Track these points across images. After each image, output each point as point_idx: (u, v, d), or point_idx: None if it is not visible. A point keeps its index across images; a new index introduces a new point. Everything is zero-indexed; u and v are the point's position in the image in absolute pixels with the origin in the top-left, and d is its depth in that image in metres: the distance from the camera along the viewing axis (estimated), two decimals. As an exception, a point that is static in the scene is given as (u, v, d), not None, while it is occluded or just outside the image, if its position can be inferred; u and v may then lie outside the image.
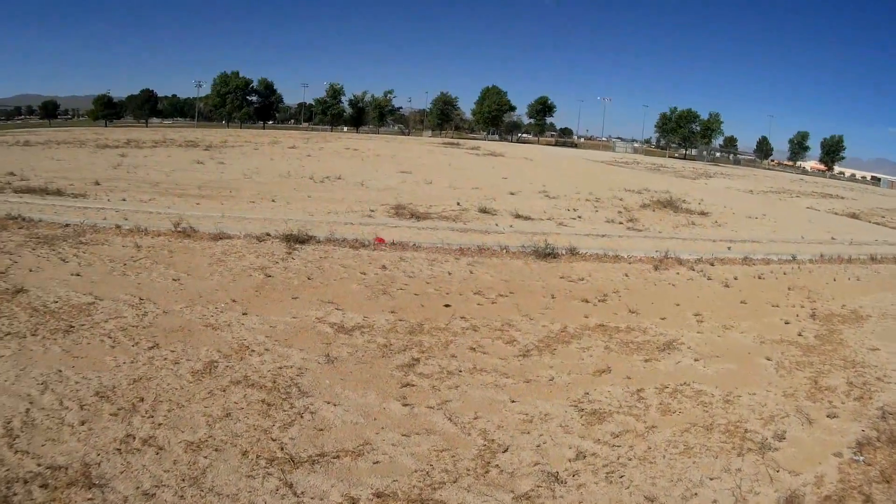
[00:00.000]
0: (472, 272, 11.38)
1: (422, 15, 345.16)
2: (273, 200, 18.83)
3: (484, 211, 18.76)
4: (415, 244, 13.13)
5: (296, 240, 12.67)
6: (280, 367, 6.83)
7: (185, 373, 6.52)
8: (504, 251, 13.25)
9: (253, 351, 7.20)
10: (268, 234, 13.25)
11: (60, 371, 6.35)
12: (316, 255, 11.98)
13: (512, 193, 24.48)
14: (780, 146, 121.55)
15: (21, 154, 36.01)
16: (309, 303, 9.11)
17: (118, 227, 13.88)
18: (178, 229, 13.56)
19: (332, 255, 12.03)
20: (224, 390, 6.16)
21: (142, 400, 5.87)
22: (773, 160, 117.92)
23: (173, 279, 9.94)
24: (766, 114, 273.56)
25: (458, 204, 20.00)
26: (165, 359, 6.82)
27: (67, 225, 13.99)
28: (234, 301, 8.98)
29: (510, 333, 8.38)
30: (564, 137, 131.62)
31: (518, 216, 18.43)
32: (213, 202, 18.09)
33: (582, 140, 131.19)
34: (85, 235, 12.99)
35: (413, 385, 6.59)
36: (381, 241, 13.31)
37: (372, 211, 17.74)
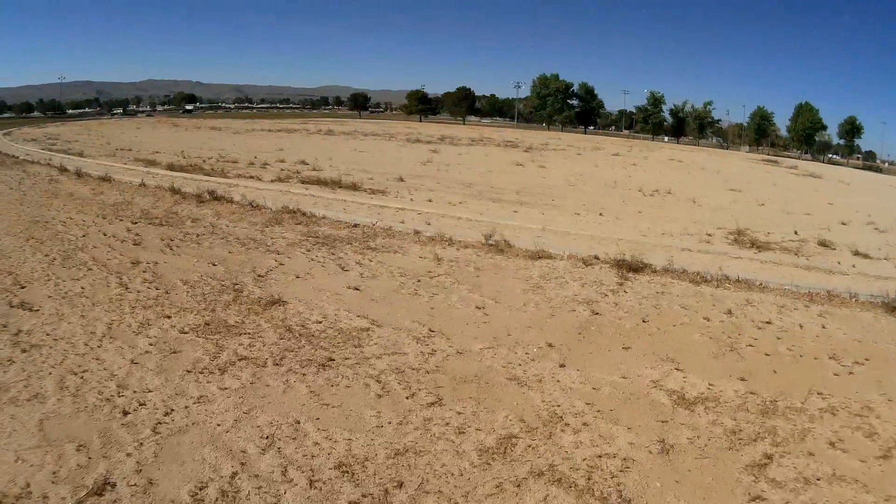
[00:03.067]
0: (823, 326, 11.32)
1: (743, 27, 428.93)
2: (601, 214, 20.36)
3: (823, 244, 19.67)
4: (761, 283, 13.48)
5: (628, 267, 13.28)
6: (599, 456, 6.48)
7: (469, 449, 6.24)
8: (853, 299, 13.17)
9: (567, 425, 6.93)
10: (596, 257, 13.89)
11: (298, 423, 6.31)
12: (652, 288, 12.41)
13: (843, 223, 25.84)
14: None
15: (320, 143, 43.99)
16: (643, 356, 9.09)
17: (417, 232, 14.80)
18: (490, 242, 14.04)
19: (670, 290, 12.44)
20: (519, 485, 5.74)
21: (399, 486, 5.54)
22: None
23: (476, 307, 10.26)
24: None
25: (796, 233, 21.30)
26: (447, 424, 6.62)
27: (356, 225, 15.30)
28: (549, 345, 9.03)
29: (869, 421, 7.97)
30: (869, 161, 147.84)
31: (856, 253, 18.92)
32: (532, 210, 19.59)
33: (885, 165, 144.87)
34: (375, 240, 13.93)
35: (764, 500, 6.07)
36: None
37: (709, 235, 18.99)
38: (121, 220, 15.50)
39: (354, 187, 20.90)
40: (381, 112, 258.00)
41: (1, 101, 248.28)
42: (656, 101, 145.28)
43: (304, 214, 15.66)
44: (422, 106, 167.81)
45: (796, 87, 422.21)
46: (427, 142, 51.87)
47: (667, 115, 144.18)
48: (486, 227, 14.72)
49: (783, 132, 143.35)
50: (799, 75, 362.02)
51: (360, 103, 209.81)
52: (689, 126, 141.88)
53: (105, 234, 13.80)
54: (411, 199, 19.44)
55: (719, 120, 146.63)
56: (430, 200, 19.46)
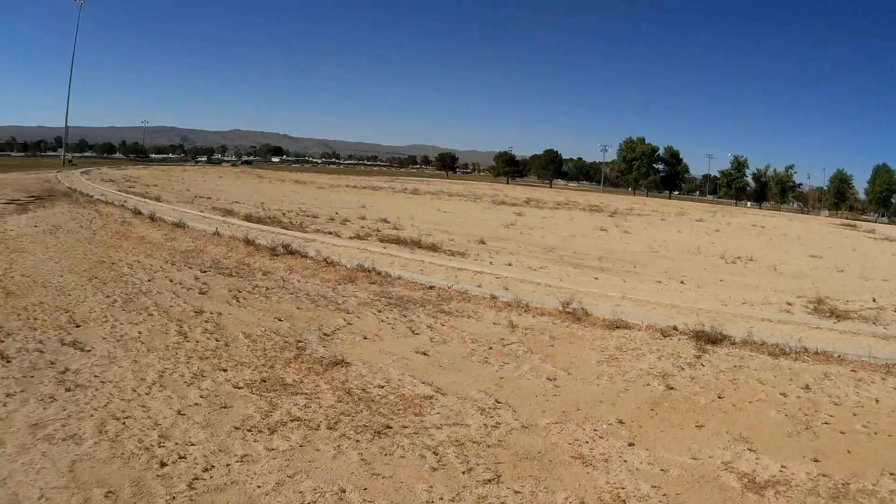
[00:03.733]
0: (903, 400, 11.82)
1: (818, 90, 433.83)
2: (682, 282, 20.87)
3: (902, 312, 20.53)
4: (839, 355, 13.37)
5: (707, 338, 13.28)
6: (661, 543, 6.49)
7: (522, 532, 6.17)
8: (935, 371, 13.84)
9: (629, 511, 6.95)
10: (674, 328, 13.91)
11: (343, 491, 6.26)
12: (730, 362, 12.41)
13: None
14: None
15: (404, 202, 45.20)
16: (716, 435, 9.06)
17: (494, 297, 14.86)
18: (567, 309, 14.04)
19: (748, 363, 12.42)
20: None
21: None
22: None
23: (548, 378, 10.31)
24: None
25: (874, 300, 21.28)
26: (502, 503, 6.49)
27: (431, 287, 15.43)
28: (620, 422, 9.06)
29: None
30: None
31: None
32: (613, 277, 20.04)
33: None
34: (450, 303, 14.04)
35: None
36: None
37: (789, 304, 19.00)
38: (189, 267, 16.16)
39: (434, 248, 21.20)
40: (469, 173, 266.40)
41: (83, 139, 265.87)
42: (740, 165, 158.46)
43: (378, 274, 15.93)
44: (509, 168, 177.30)
45: (878, 148, 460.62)
46: (512, 204, 54.61)
47: (750, 179, 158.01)
48: (564, 294, 14.78)
49: (861, 195, 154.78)
50: (880, 136, 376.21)
51: (447, 163, 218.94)
52: (771, 191, 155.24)
53: (171, 281, 14.40)
54: (491, 263, 19.71)
55: (801, 184, 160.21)
56: (509, 264, 19.70)
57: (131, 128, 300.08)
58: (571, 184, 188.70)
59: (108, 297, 12.38)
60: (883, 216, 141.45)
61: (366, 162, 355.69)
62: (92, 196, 33.60)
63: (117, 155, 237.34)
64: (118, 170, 79.93)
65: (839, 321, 17.21)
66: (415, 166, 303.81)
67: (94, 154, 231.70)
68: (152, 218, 24.14)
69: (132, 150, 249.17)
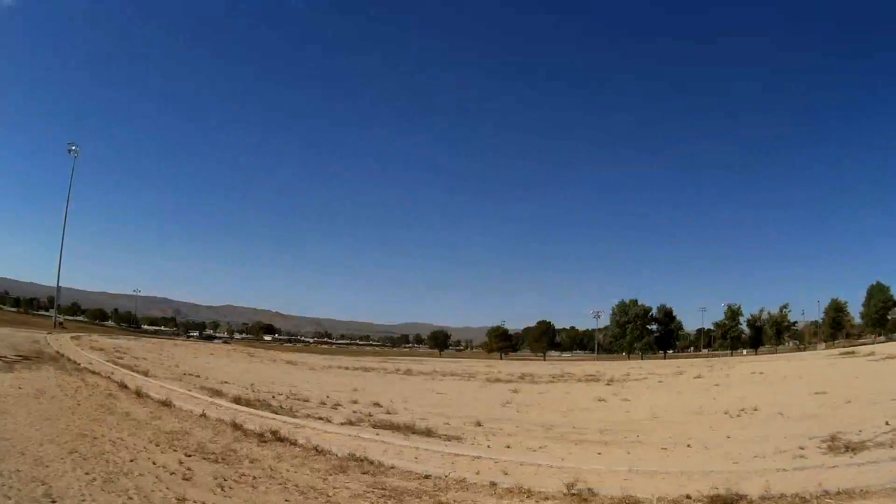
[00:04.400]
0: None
1: (806, 220, 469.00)
2: (688, 445, 20.61)
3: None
4: (862, 489, 13.25)
5: (723, 502, 12.93)
6: None
7: None
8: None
9: None
10: (687, 497, 13.51)
11: None
12: None
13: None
14: None
15: (397, 383, 44.95)
16: None
17: (493, 484, 14.31)
18: (573, 491, 13.55)
19: None
20: None
21: None
22: None
23: None
24: None
25: (887, 423, 21.77)
26: None
27: (427, 476, 14.78)
28: None
29: None
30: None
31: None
32: (617, 450, 19.68)
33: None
34: (447, 493, 13.49)
35: None
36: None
37: (801, 448, 18.89)
38: (174, 450, 15.61)
39: (429, 433, 20.66)
40: (462, 350, 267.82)
41: (75, 302, 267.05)
42: (734, 313, 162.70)
43: (371, 463, 15.36)
44: (502, 343, 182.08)
45: (871, 270, 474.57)
46: (507, 381, 55.37)
47: (745, 326, 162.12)
48: (568, 475, 14.30)
49: (857, 320, 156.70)
50: (874, 256, 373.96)
51: (440, 341, 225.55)
52: (766, 335, 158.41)
53: (154, 463, 13.85)
54: (488, 446, 19.19)
55: (795, 322, 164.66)
56: (508, 446, 19.22)
57: (124, 295, 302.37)
58: (565, 354, 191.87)
59: (87, 473, 11.92)
60: (880, 336, 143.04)
61: (358, 342, 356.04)
62: (79, 364, 33.40)
63: (109, 322, 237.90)
64: (109, 338, 79.81)
65: (856, 454, 17.46)
66: (407, 345, 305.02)
67: (87, 319, 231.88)
68: (139, 393, 23.68)
69: (124, 318, 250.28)
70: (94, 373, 29.78)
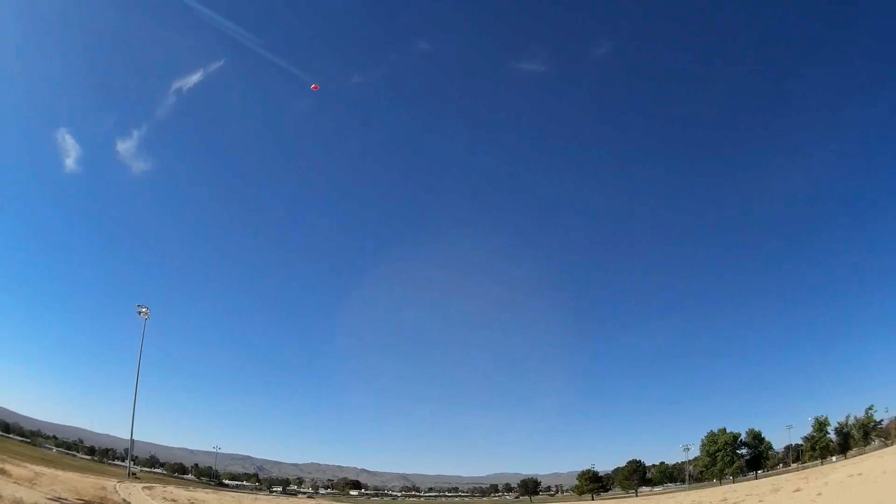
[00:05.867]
0: None
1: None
2: None
3: None
4: None
5: None
6: None
7: None
8: None
9: None
10: None
11: None
12: None
13: None
14: None
15: None
16: None
17: None
18: None
19: None
20: None
21: None
22: None
23: None
24: None
25: None
26: None
27: None
28: None
29: None
30: None
31: None
32: None
33: None
34: None
35: None
36: None
37: None
38: None
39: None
40: (553, 495, 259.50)
41: (153, 455, 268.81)
42: (821, 425, 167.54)
43: None
44: (593, 484, 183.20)
45: None
46: None
47: (832, 434, 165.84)
48: None
49: None
50: None
51: (530, 489, 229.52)
52: (853, 439, 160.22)
53: None
54: None
55: (881, 420, 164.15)
56: None
57: (203, 451, 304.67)
58: (657, 489, 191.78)
59: None
60: None
61: (447, 494, 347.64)
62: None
63: (189, 476, 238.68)
64: (185, 490, 78.85)
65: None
66: (496, 495, 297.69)
67: (164, 472, 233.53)
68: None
69: (204, 473, 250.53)
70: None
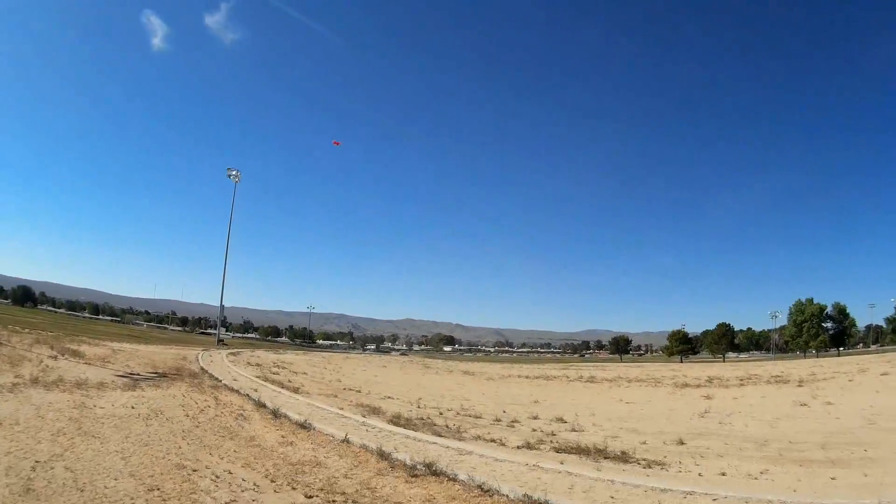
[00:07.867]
0: None
1: None
2: None
3: None
4: None
5: None
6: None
7: None
8: None
9: None
10: None
11: None
12: None
13: None
14: None
15: (582, 393, 43.51)
16: None
17: None
18: None
19: None
20: None
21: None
22: None
23: None
24: None
25: None
26: None
27: None
28: None
29: None
30: None
31: None
32: (852, 473, 16.32)
33: None
34: None
35: None
36: None
37: None
38: (293, 487, 12.41)
39: (624, 458, 16.74)
40: (642, 354, 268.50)
41: (248, 321, 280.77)
42: None
43: (546, 504, 11.62)
44: (683, 346, 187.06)
45: None
46: (696, 385, 51.65)
47: None
48: None
49: None
50: None
51: (621, 347, 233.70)
52: None
53: (256, 505, 11.08)
54: (700, 474, 15.35)
55: None
56: (723, 473, 15.41)
57: (300, 313, 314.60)
58: (742, 355, 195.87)
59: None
60: None
61: (539, 349, 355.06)
62: (220, 380, 31.33)
63: (282, 339, 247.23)
64: (273, 353, 79.67)
65: None
66: (588, 351, 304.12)
67: (258, 336, 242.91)
68: (275, 414, 20.78)
69: (298, 335, 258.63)
70: (232, 390, 27.49)
